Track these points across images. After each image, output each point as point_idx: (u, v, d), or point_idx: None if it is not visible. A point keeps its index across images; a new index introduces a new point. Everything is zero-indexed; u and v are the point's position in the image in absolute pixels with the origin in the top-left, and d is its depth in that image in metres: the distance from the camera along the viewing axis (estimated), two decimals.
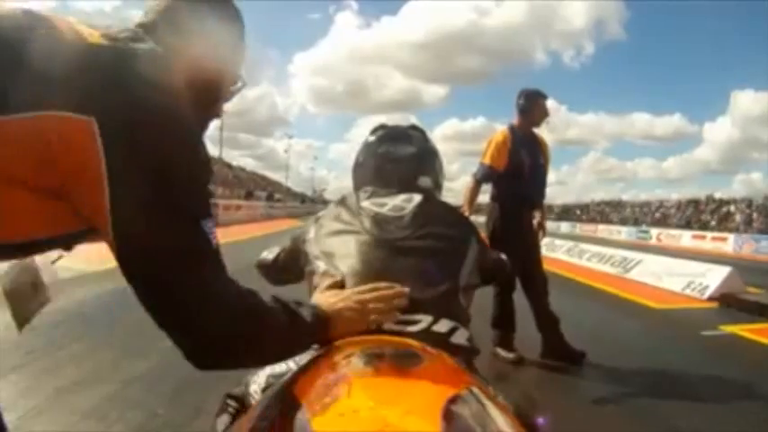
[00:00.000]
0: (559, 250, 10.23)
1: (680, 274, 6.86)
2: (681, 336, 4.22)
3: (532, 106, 3.01)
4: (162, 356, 2.62)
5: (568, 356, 2.94)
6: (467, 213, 2.97)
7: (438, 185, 1.13)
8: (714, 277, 6.28)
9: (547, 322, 3.00)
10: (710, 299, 5.88)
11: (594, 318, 4.88)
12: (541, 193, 3.15)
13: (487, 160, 2.99)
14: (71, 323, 3.23)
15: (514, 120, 3.07)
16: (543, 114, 3.04)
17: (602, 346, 3.41)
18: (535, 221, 3.07)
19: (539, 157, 3.05)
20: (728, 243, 19.14)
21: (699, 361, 3.36)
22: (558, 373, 2.85)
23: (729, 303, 5.54)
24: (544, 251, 11.47)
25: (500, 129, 3.13)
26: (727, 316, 5.04)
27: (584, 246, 9.56)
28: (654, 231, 24.68)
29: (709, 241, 20.23)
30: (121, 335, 3.03)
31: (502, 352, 2.98)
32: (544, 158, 3.11)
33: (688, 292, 6.33)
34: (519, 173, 2.94)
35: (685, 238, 21.80)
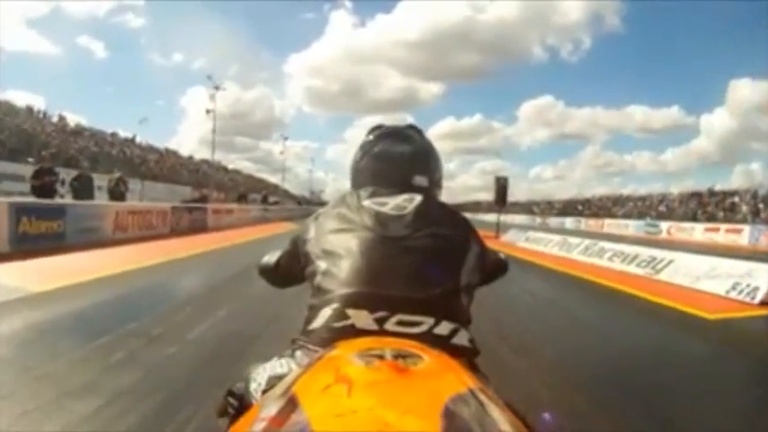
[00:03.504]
0: (575, 249, 9.37)
1: (720, 274, 6.09)
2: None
3: None
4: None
5: None
6: None
7: (436, 185, 1.11)
8: (763, 277, 5.51)
9: None
10: (763, 303, 5.12)
11: (645, 334, 4.08)
12: None
13: None
14: None
15: None
16: None
17: (685, 384, 2.66)
18: None
19: None
20: (743, 235, 18.32)
21: None
22: None
23: None
24: (556, 251, 10.52)
25: None
26: None
27: (603, 244, 8.71)
28: (664, 225, 23.85)
29: (723, 234, 19.41)
30: (29, 389, 2.23)
31: None
32: None
33: (734, 295, 5.57)
34: None
35: (697, 232, 20.99)
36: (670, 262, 6.89)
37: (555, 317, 4.74)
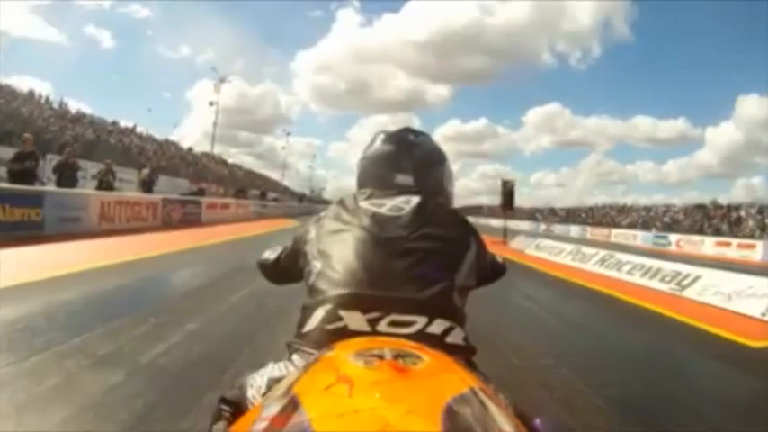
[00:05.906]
0: (591, 260, 8.77)
1: (756, 293, 5.51)
2: None
3: None
4: None
5: None
6: None
7: (441, 191, 1.09)
8: None
9: None
10: None
11: (694, 367, 3.52)
12: None
13: None
14: None
15: None
16: None
17: None
18: None
19: None
20: (757, 251, 17.65)
21: None
22: None
23: None
24: (569, 260, 9.84)
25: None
26: None
27: (621, 256, 8.12)
28: (673, 237, 23.17)
29: (734, 249, 18.75)
30: None
31: None
32: None
33: None
34: None
35: (707, 245, 20.33)
36: (697, 278, 6.31)
37: (587, 344, 4.15)
